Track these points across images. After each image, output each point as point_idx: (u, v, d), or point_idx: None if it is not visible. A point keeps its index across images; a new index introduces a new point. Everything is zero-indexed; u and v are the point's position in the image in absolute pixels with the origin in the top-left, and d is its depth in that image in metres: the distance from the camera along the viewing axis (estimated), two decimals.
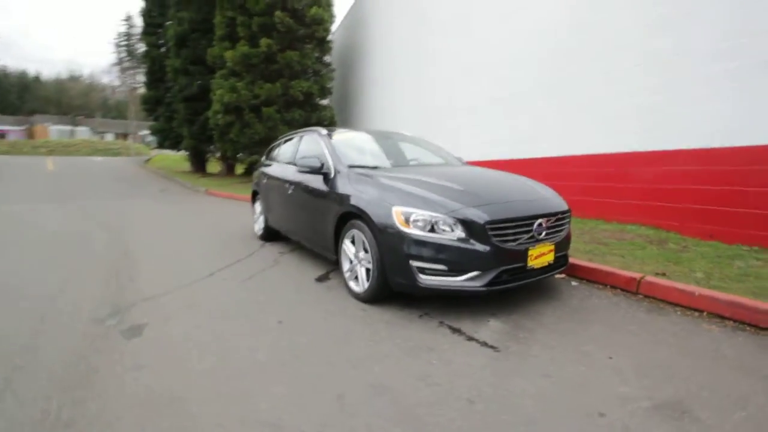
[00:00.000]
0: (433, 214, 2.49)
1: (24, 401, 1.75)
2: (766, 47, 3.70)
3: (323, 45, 12.74)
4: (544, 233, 2.66)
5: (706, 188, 4.15)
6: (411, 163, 3.90)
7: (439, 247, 2.44)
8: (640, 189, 4.77)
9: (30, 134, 41.67)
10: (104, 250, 4.63)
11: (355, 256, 2.97)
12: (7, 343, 2.30)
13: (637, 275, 3.04)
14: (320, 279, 3.53)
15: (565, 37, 5.65)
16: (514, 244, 2.52)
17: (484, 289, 2.45)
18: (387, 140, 4.17)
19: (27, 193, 10.94)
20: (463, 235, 2.44)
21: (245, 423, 1.60)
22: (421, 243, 2.46)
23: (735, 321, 2.46)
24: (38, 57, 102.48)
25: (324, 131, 3.97)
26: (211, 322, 2.58)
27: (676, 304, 2.75)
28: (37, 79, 56.68)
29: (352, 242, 3.01)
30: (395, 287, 2.66)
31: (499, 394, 1.77)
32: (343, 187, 3.15)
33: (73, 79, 58.24)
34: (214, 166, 18.02)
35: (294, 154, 4.30)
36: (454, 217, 2.46)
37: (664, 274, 3.17)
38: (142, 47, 21.78)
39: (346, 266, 3.10)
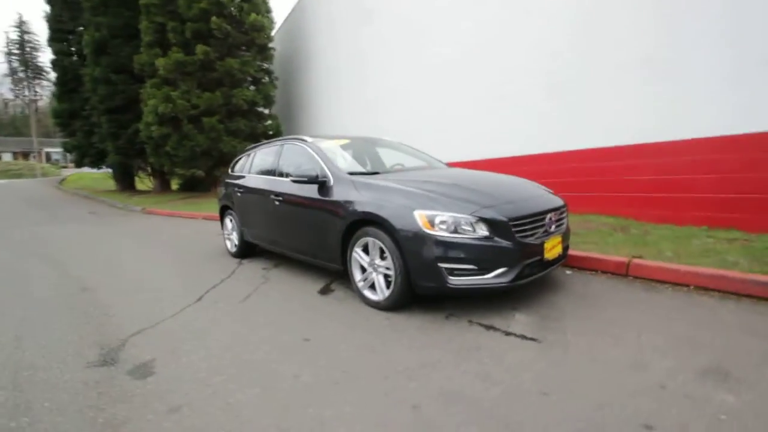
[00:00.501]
0: (458, 215, 2.52)
1: None
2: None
3: (264, 52, 12.34)
4: (553, 226, 2.82)
5: (656, 178, 4.67)
6: (406, 166, 3.91)
7: (467, 247, 2.47)
8: (597, 182, 5.24)
9: None
10: (55, 287, 4.02)
11: (370, 264, 2.90)
12: None
13: (624, 259, 3.34)
14: (323, 291, 3.39)
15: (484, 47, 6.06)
16: (533, 238, 2.63)
17: (510, 284, 2.53)
18: (373, 145, 4.15)
19: None
20: (486, 233, 2.50)
21: None
22: (448, 245, 2.48)
23: (719, 291, 2.80)
24: None
25: (309, 139, 3.84)
26: (229, 350, 2.36)
27: (665, 282, 3.06)
28: None
29: (364, 250, 2.94)
30: (421, 291, 2.64)
31: (563, 383, 1.83)
32: (347, 194, 3.07)
33: None
34: (144, 182, 16.52)
35: (275, 165, 4.10)
36: (478, 217, 2.51)
37: (641, 257, 3.50)
38: (41, 55, 19.37)
39: (357, 275, 3.02)
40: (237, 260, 4.74)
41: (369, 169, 3.75)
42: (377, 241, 2.79)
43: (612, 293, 2.95)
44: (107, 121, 13.60)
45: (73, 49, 16.61)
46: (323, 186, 3.31)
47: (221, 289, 3.65)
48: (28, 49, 34.06)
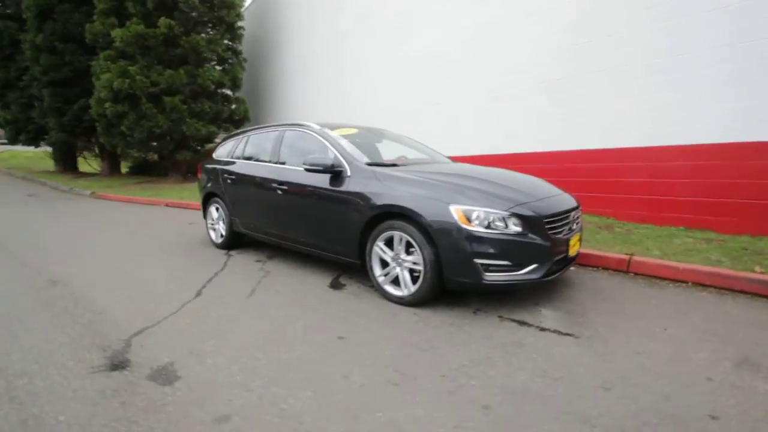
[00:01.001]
0: (494, 210, 2.50)
1: None
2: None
3: (233, 31, 11.63)
4: (575, 224, 2.89)
5: (637, 180, 4.96)
6: (411, 159, 3.83)
7: (503, 243, 2.46)
8: (579, 182, 5.47)
9: None
10: (17, 280, 3.55)
11: (394, 259, 2.81)
12: None
13: (625, 256, 3.51)
14: (335, 286, 3.26)
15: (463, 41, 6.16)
16: (560, 235, 2.68)
17: (540, 280, 2.56)
18: (381, 136, 4.02)
19: None
20: (520, 229, 2.50)
21: None
22: (485, 240, 2.45)
23: (715, 287, 3.02)
24: None
25: (317, 126, 3.65)
26: (259, 350, 2.19)
27: (664, 278, 3.25)
28: None
29: (387, 244, 2.84)
30: (453, 287, 2.60)
31: (619, 377, 1.87)
32: (368, 186, 2.95)
33: None
34: (89, 164, 15.09)
35: (276, 152, 3.86)
36: (514, 213, 2.51)
37: (632, 254, 3.71)
38: None
39: (378, 270, 2.92)
40: (223, 251, 4.44)
41: (376, 160, 3.62)
42: (404, 235, 2.70)
43: (621, 289, 3.09)
44: (50, 94, 12.20)
45: (8, 11, 14.63)
46: (338, 176, 3.16)
47: (219, 282, 3.40)
48: None
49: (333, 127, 3.67)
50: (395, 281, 2.85)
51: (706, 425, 1.54)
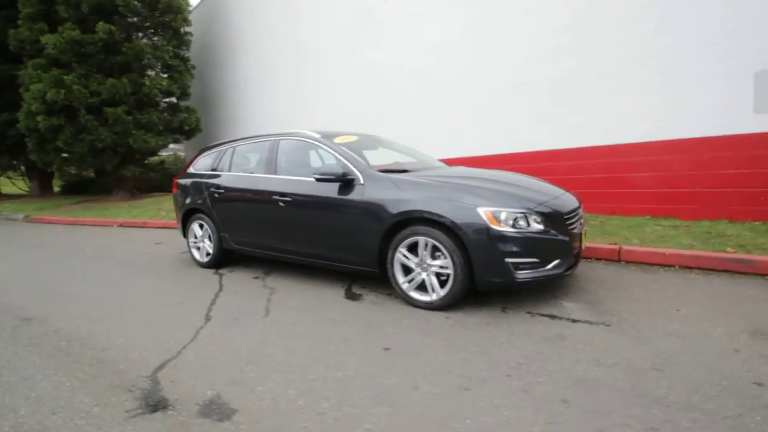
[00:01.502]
0: (520, 210, 2.59)
1: None
2: None
3: (180, 37, 11.02)
4: (581, 219, 3.07)
5: (605, 176, 5.38)
6: (416, 163, 3.84)
7: (531, 241, 2.56)
8: (555, 180, 5.82)
9: None
10: None
11: (418, 265, 2.81)
12: None
13: (615, 246, 3.79)
14: (351, 297, 3.18)
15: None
16: (575, 230, 2.83)
17: (564, 274, 2.69)
18: (378, 143, 4.00)
19: None
20: (543, 227, 2.62)
21: None
22: (514, 240, 2.53)
23: (700, 269, 3.35)
24: None
25: (316, 134, 3.56)
26: (308, 371, 2.08)
27: (653, 264, 3.55)
28: None
29: (410, 250, 2.84)
30: (485, 287, 2.66)
31: (664, 358, 2.01)
32: (386, 193, 2.92)
33: None
34: (12, 184, 13.45)
35: (271, 163, 3.70)
36: (537, 212, 2.62)
37: (616, 244, 4.02)
38: None
39: (401, 278, 2.90)
40: (212, 271, 4.17)
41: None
42: (430, 240, 2.71)
43: (622, 276, 3.33)
44: None
45: None
46: (349, 185, 3.10)
47: (224, 304, 3.19)
48: None
49: (332, 136, 3.59)
50: (420, 287, 2.85)
51: (758, 392, 1.71)
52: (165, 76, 10.80)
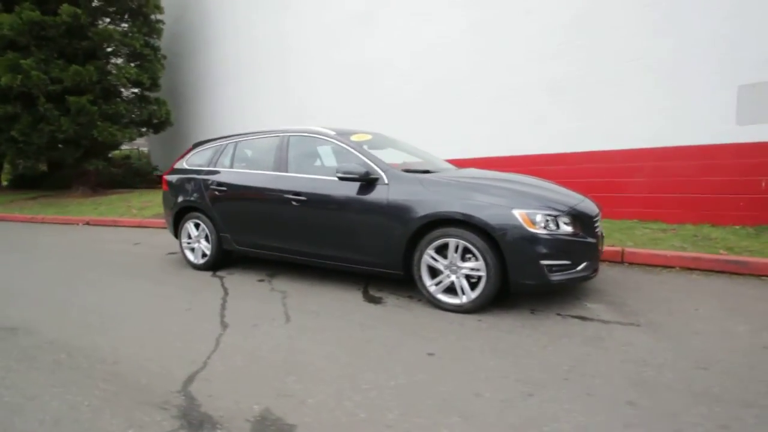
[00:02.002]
0: (553, 212, 2.60)
1: None
2: None
3: (151, 25, 10.39)
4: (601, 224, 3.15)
5: (594, 181, 5.58)
6: (424, 164, 3.80)
7: (565, 243, 2.58)
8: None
9: None
10: None
11: (447, 267, 2.76)
12: None
13: (618, 248, 3.92)
14: (371, 300, 3.09)
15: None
16: (599, 233, 2.90)
17: (592, 275, 2.74)
18: (387, 143, 3.91)
19: None
20: (574, 229, 2.65)
21: None
22: (549, 242, 2.54)
23: (699, 270, 3.53)
24: None
25: (332, 132, 3.44)
26: (355, 381, 1.97)
27: (655, 265, 3.71)
28: None
29: (439, 252, 2.79)
30: (519, 290, 2.65)
31: (704, 356, 2.08)
32: (413, 193, 2.86)
33: None
34: None
35: (281, 160, 3.53)
36: (570, 214, 2.65)
37: (613, 246, 4.18)
38: None
39: (428, 280, 2.84)
40: (209, 273, 3.93)
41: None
42: (461, 242, 2.68)
43: (629, 277, 3.45)
44: None
45: None
46: (372, 184, 3.01)
47: (236, 309, 3.00)
48: None
49: (348, 133, 3.48)
50: (447, 290, 2.80)
51: None
52: (133, 65, 10.13)
